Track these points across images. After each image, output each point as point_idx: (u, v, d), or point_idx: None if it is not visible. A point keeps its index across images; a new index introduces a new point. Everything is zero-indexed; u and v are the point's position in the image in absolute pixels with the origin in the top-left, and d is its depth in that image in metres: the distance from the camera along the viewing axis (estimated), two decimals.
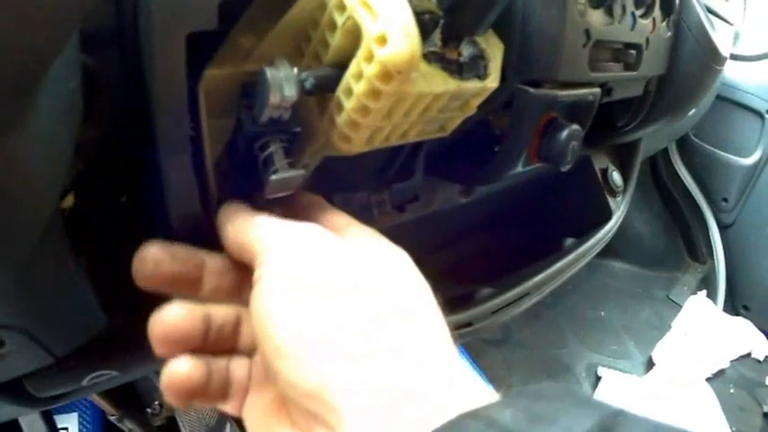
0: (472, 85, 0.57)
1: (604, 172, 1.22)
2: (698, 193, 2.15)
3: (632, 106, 1.07)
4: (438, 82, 0.54)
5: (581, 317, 1.91)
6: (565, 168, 0.74)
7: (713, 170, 2.10)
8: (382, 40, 0.46)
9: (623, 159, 1.30)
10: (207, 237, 0.60)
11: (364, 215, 0.77)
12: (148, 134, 0.55)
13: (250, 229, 0.48)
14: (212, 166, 0.61)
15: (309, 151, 0.60)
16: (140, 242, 0.52)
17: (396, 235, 0.87)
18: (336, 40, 0.51)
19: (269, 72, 0.49)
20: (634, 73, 0.88)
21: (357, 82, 0.49)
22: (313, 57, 0.56)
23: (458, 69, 0.58)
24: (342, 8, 0.49)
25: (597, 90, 0.79)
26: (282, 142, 0.55)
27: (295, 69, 0.50)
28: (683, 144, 2.13)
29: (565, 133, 0.73)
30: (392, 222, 0.80)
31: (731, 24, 1.30)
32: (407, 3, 0.48)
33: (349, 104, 0.51)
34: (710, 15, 1.12)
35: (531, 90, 0.69)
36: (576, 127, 0.74)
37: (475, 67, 0.59)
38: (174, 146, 0.55)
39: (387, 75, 0.47)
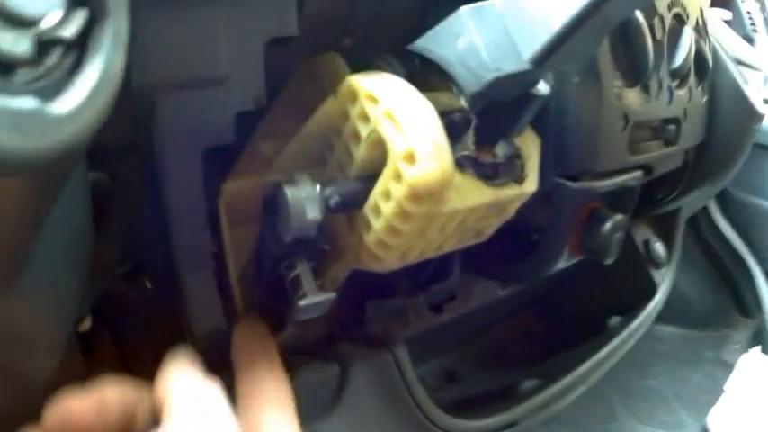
0: (509, 192, 0.53)
1: (646, 244, 1.16)
2: (741, 246, 2.06)
3: (671, 177, 1.02)
4: (472, 194, 0.50)
5: (629, 387, 1.82)
6: (609, 261, 0.69)
7: (756, 220, 2.01)
8: (410, 158, 0.42)
9: (665, 228, 1.24)
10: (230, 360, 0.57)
11: (399, 320, 0.72)
12: (168, 250, 0.52)
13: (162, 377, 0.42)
14: (236, 281, 0.58)
15: (339, 266, 0.57)
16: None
17: (433, 329, 0.84)
18: (361, 153, 0.47)
19: (289, 192, 0.45)
20: (675, 148, 0.84)
21: (385, 201, 0.45)
22: (337, 168, 0.52)
23: (493, 173, 0.54)
24: (365, 119, 0.45)
25: (639, 173, 0.74)
26: (310, 261, 0.51)
27: (318, 187, 0.46)
28: (722, 197, 2.05)
29: (608, 225, 0.68)
30: (430, 325, 0.75)
31: (760, 71, 1.26)
32: (435, 114, 0.45)
33: (378, 225, 0.47)
34: (740, 66, 1.07)
35: (570, 184, 0.65)
36: (619, 218, 0.69)
37: (511, 168, 0.55)
38: (193, 262, 0.52)
39: (417, 197, 0.43)
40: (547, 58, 0.43)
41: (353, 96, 0.46)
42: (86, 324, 0.57)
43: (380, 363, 0.64)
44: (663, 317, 2.05)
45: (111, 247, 0.50)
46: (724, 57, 1.04)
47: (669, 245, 1.21)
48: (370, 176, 0.47)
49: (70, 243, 0.39)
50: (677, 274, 1.99)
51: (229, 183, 0.53)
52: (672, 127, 0.81)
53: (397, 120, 0.43)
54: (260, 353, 0.48)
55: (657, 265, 1.16)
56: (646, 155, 0.75)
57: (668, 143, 0.83)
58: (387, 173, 0.44)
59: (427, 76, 0.61)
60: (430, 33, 0.48)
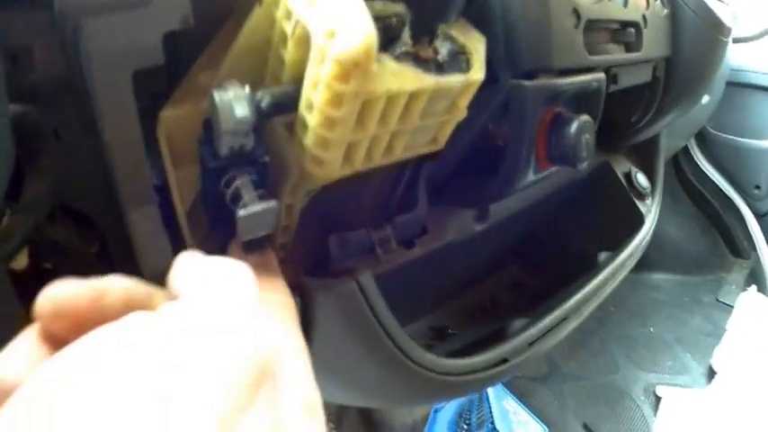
0: (453, 79, 0.49)
1: (628, 176, 1.13)
2: (727, 187, 2.05)
3: (643, 97, 0.98)
4: (411, 79, 0.46)
5: (629, 337, 1.79)
6: (582, 166, 0.65)
7: (739, 160, 2.00)
8: (331, 35, 0.39)
9: (645, 160, 1.20)
10: None
11: (368, 257, 0.68)
12: (108, 184, 0.50)
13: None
14: (185, 216, 0.54)
15: (287, 187, 0.53)
16: None
17: (413, 276, 0.80)
18: (290, 53, 0.44)
19: (216, 95, 0.42)
20: (638, 54, 0.80)
21: (315, 90, 0.42)
22: (273, 78, 0.48)
23: (437, 69, 0.50)
24: (288, 15, 0.43)
25: (601, 75, 0.70)
26: (251, 175, 0.47)
27: (247, 87, 0.43)
28: (703, 139, 2.03)
29: (574, 126, 0.64)
30: (401, 260, 0.71)
31: (727, 4, 1.23)
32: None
33: (312, 120, 0.43)
34: None
35: (527, 83, 0.60)
36: (585, 117, 0.65)
37: (455, 63, 0.51)
38: (136, 196, 0.50)
39: (344, 72, 0.39)
40: None
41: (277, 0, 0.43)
42: (22, 262, 0.53)
43: (344, 291, 0.60)
44: (657, 265, 2.03)
45: (42, 182, 0.47)
46: None
47: (651, 176, 1.18)
48: (302, 79, 0.43)
49: None
50: (666, 220, 1.97)
51: (167, 110, 0.50)
52: (631, 30, 0.78)
53: (316, 4, 0.40)
54: (260, 265, 0.44)
55: (641, 196, 1.12)
56: (606, 56, 0.71)
57: (630, 48, 0.79)
58: (312, 59, 0.41)
59: None
60: None
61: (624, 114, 1.02)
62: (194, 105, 0.50)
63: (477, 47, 0.53)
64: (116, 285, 0.32)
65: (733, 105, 1.92)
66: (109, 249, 0.57)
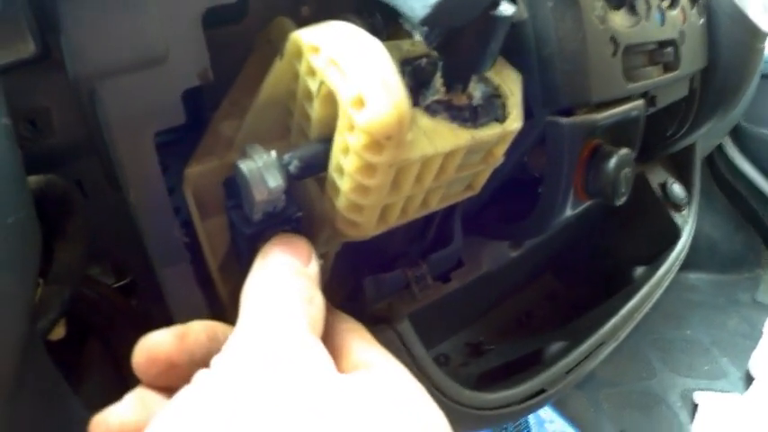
0: (489, 132, 0.47)
1: (663, 186, 1.10)
2: (763, 182, 1.99)
3: (679, 110, 0.95)
4: (445, 138, 0.44)
5: (665, 340, 1.75)
6: (620, 202, 0.63)
7: None
8: (359, 103, 0.37)
9: (681, 167, 1.17)
10: None
11: (403, 295, 0.67)
12: (139, 246, 0.49)
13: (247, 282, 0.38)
14: (217, 270, 0.53)
15: (321, 238, 0.52)
16: None
17: (448, 298, 0.79)
18: (316, 111, 0.42)
19: (244, 166, 0.41)
20: (676, 72, 0.77)
21: (345, 157, 0.40)
22: (299, 134, 0.47)
23: (471, 116, 0.48)
24: (313, 73, 0.41)
25: (641, 102, 0.68)
26: (286, 233, 0.46)
27: (273, 153, 0.41)
28: (737, 134, 1.98)
29: (613, 162, 0.62)
30: (438, 295, 0.70)
31: None
32: (383, 51, 0.39)
33: (344, 185, 0.42)
34: None
35: (564, 120, 0.58)
36: (625, 152, 0.63)
37: (491, 108, 0.49)
38: (167, 256, 0.49)
39: (375, 144, 0.38)
40: None
41: (298, 52, 0.41)
42: (60, 332, 0.53)
43: (383, 340, 0.58)
44: (692, 264, 1.99)
45: (73, 250, 0.46)
46: None
47: (687, 185, 1.15)
48: (331, 136, 0.42)
49: (4, 247, 0.35)
50: (701, 218, 1.92)
51: (191, 167, 0.49)
52: (669, 50, 0.75)
53: (340, 65, 0.37)
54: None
55: (678, 207, 1.09)
56: (645, 81, 0.69)
57: (668, 68, 0.76)
58: (341, 125, 0.39)
59: (391, 29, 0.56)
60: None
61: (660, 128, 0.99)
62: (219, 160, 0.49)
63: (513, 88, 0.51)
64: (196, 324, 0.35)
65: (767, 98, 1.87)
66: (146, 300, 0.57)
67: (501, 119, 0.48)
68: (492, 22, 0.43)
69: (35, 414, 0.40)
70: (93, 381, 0.58)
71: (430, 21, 0.39)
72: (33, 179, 0.42)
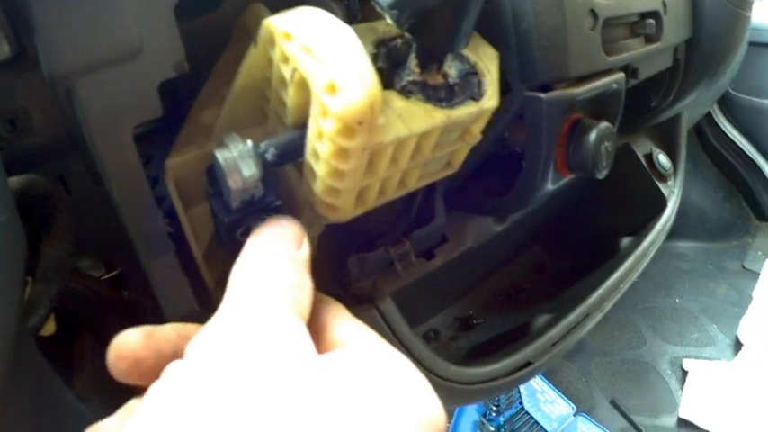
0: (465, 111, 0.47)
1: (649, 157, 1.10)
2: (751, 150, 2.00)
3: (663, 81, 0.95)
4: (420, 119, 0.44)
5: (655, 309, 1.77)
6: (602, 175, 0.63)
7: (762, 121, 1.94)
8: (332, 89, 0.37)
9: (667, 138, 1.17)
10: None
11: (388, 273, 0.67)
12: (125, 239, 0.49)
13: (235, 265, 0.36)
14: (202, 259, 0.53)
15: (303, 223, 0.52)
16: None
17: (435, 275, 0.79)
18: (291, 97, 0.42)
19: (220, 155, 0.40)
20: (658, 44, 0.77)
21: (320, 142, 0.40)
22: (276, 121, 0.47)
23: (447, 95, 0.48)
24: (286, 59, 0.41)
25: (621, 75, 0.68)
26: (265, 221, 0.46)
27: (249, 142, 0.41)
28: (725, 102, 1.98)
29: (593, 135, 0.61)
30: (422, 272, 0.70)
31: None
32: (355, 38, 0.39)
33: (320, 170, 0.42)
34: None
35: (543, 96, 0.58)
36: (605, 125, 0.63)
37: (467, 87, 0.49)
38: (152, 247, 0.49)
39: (348, 129, 0.38)
40: None
41: (272, 39, 0.41)
42: (50, 328, 0.54)
43: (365, 319, 0.58)
44: (680, 232, 2.00)
45: (59, 247, 0.47)
46: None
47: (673, 155, 1.15)
48: (306, 123, 0.42)
49: None
50: (689, 186, 1.93)
51: (172, 158, 0.49)
52: (651, 21, 0.74)
53: (313, 51, 0.37)
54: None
55: (663, 178, 1.09)
56: (625, 54, 0.68)
57: (650, 40, 0.76)
58: (314, 111, 0.39)
59: (366, 10, 0.55)
60: None
61: (644, 99, 0.99)
62: (199, 149, 0.49)
63: (489, 66, 0.51)
64: (168, 325, 0.34)
65: (755, 66, 1.86)
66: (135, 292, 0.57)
67: (477, 97, 0.48)
68: (464, 0, 0.43)
69: (30, 412, 0.41)
70: (86, 373, 0.58)
71: (399, 4, 0.39)
72: (15, 180, 0.42)
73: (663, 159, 1.11)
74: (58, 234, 0.47)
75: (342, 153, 0.39)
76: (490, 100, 0.48)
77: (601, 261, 1.01)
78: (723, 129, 2.01)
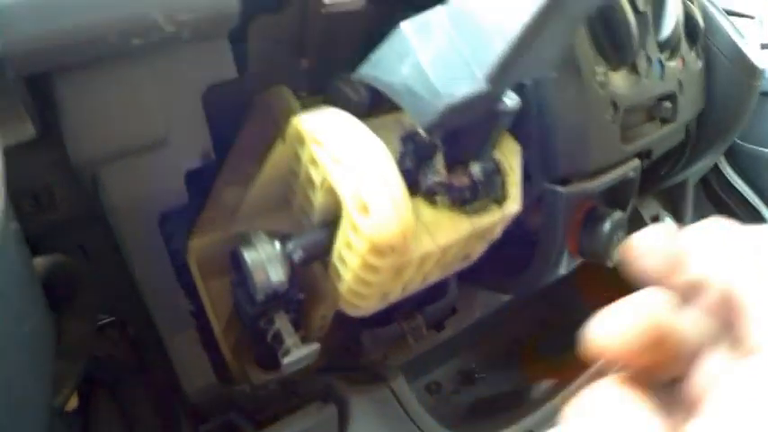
0: (489, 218, 0.48)
1: (655, 219, 1.11)
2: (755, 199, 2.00)
3: (674, 151, 0.96)
4: (447, 230, 0.45)
5: None
6: (612, 264, 0.64)
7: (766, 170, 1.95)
8: (364, 209, 0.38)
9: (674, 199, 1.18)
10: (228, 405, 0.54)
11: (399, 345, 0.68)
12: (147, 316, 0.50)
13: None
14: (222, 333, 0.54)
15: (323, 309, 0.53)
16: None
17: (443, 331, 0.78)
18: (318, 200, 0.43)
19: (247, 255, 0.41)
20: (673, 125, 0.78)
21: (349, 253, 0.41)
22: (300, 211, 0.48)
23: (472, 194, 0.49)
24: (315, 163, 0.42)
25: (636, 164, 0.69)
26: (289, 313, 0.48)
27: (277, 245, 0.42)
28: (731, 151, 1.98)
29: (607, 226, 0.63)
30: (432, 345, 0.71)
31: (753, 18, 1.20)
32: (388, 156, 0.40)
33: (347, 276, 0.43)
34: (731, 18, 1.01)
35: (562, 190, 0.59)
36: (618, 215, 0.64)
37: (491, 185, 0.50)
38: (174, 324, 0.50)
39: (378, 251, 0.39)
40: (505, 72, 0.36)
41: (301, 139, 0.42)
42: (72, 402, 0.54)
43: (379, 399, 0.60)
44: None
45: (82, 324, 0.47)
46: (715, 12, 0.97)
47: (679, 218, 1.16)
48: (334, 221, 0.43)
49: (25, 354, 0.35)
50: None
51: (195, 239, 0.50)
52: (668, 104, 0.75)
53: (345, 165, 0.38)
54: None
55: None
56: (642, 140, 0.69)
57: (665, 121, 0.77)
58: (344, 223, 0.40)
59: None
60: (373, 57, 0.41)
61: (653, 169, 1.00)
62: (223, 232, 0.50)
63: (512, 163, 0.52)
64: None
65: (762, 115, 1.87)
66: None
67: (500, 199, 0.49)
68: (495, 116, 0.44)
69: None
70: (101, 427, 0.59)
71: (435, 127, 0.40)
72: (40, 261, 0.43)
73: (669, 223, 1.12)
74: (82, 311, 0.47)
75: (370, 268, 0.40)
76: (513, 204, 0.50)
77: None
78: (728, 177, 2.01)
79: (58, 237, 0.48)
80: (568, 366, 0.89)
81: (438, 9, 0.38)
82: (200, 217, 0.50)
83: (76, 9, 0.34)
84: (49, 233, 0.47)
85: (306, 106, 0.47)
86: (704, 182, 2.05)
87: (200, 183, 0.50)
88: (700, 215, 1.99)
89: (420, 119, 0.39)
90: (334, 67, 0.56)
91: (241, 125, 0.54)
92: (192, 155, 0.44)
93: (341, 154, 0.38)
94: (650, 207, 1.12)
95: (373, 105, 0.52)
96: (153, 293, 0.47)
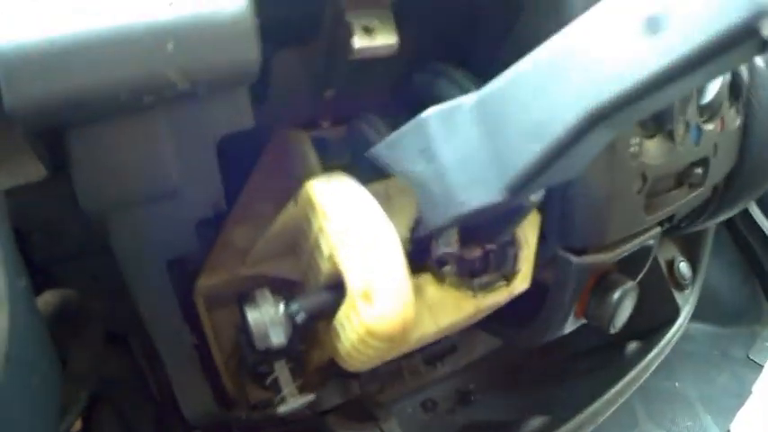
0: (495, 298, 0.48)
1: (671, 264, 1.09)
2: None
3: (696, 208, 0.94)
4: (450, 311, 0.45)
5: (653, 389, 1.76)
6: (615, 331, 0.64)
7: None
8: (367, 297, 0.38)
9: (691, 245, 1.16)
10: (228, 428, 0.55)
11: (395, 380, 0.69)
12: (151, 347, 0.50)
13: None
14: (224, 366, 0.55)
15: (322, 354, 0.53)
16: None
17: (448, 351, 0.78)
18: (325, 267, 0.44)
19: (250, 315, 0.42)
20: (701, 189, 0.76)
21: (350, 325, 0.42)
22: (307, 267, 0.48)
23: (481, 265, 0.49)
24: (325, 235, 0.42)
25: (657, 231, 0.68)
26: (289, 362, 0.49)
27: (281, 307, 0.43)
28: None
29: (616, 295, 0.62)
30: (428, 381, 0.72)
31: None
32: (397, 242, 0.40)
33: (345, 342, 0.43)
34: None
35: (575, 260, 0.59)
36: (630, 285, 0.64)
37: (502, 258, 0.50)
38: (177, 357, 0.50)
39: (376, 338, 0.39)
40: (530, 184, 0.35)
41: (312, 207, 0.42)
42: (76, 426, 0.56)
43: None
44: (692, 313, 1.98)
45: (88, 354, 0.48)
46: (762, 65, 0.94)
47: (695, 263, 1.14)
48: (339, 285, 0.43)
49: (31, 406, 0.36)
50: (708, 265, 1.90)
51: (204, 279, 0.50)
52: (699, 170, 0.73)
53: (353, 249, 0.38)
54: None
55: (681, 287, 1.10)
56: (667, 208, 0.68)
57: (693, 186, 0.75)
58: (348, 302, 0.40)
59: None
60: (391, 138, 0.40)
61: (673, 223, 0.99)
62: (230, 273, 0.50)
63: (528, 234, 0.52)
64: None
65: None
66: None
67: (509, 275, 0.49)
68: (516, 210, 0.44)
69: None
70: None
71: (443, 230, 0.39)
72: (50, 298, 0.44)
73: (684, 268, 1.11)
74: (88, 343, 0.48)
75: (367, 345, 0.41)
76: (522, 282, 0.50)
77: (605, 360, 1.02)
78: (749, 210, 1.99)
79: (68, 266, 0.49)
80: (563, 405, 0.90)
81: (466, 98, 0.36)
82: (209, 257, 0.50)
83: (85, 68, 0.34)
84: (59, 263, 0.48)
85: (325, 164, 0.47)
86: (728, 221, 2.02)
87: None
88: (722, 259, 1.97)
89: (429, 220, 0.39)
90: (358, 98, 0.55)
91: (255, 161, 0.53)
92: (203, 205, 0.43)
93: (350, 237, 0.39)
94: (666, 251, 1.10)
95: None
96: (158, 330, 0.47)
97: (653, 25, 0.27)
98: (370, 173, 0.45)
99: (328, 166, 0.50)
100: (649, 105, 0.33)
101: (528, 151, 0.33)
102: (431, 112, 0.38)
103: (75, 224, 0.47)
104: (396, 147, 0.40)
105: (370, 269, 0.38)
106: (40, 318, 0.38)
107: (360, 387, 0.66)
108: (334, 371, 0.66)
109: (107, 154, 0.38)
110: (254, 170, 0.53)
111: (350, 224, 0.39)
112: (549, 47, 0.32)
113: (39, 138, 0.40)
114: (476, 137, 0.36)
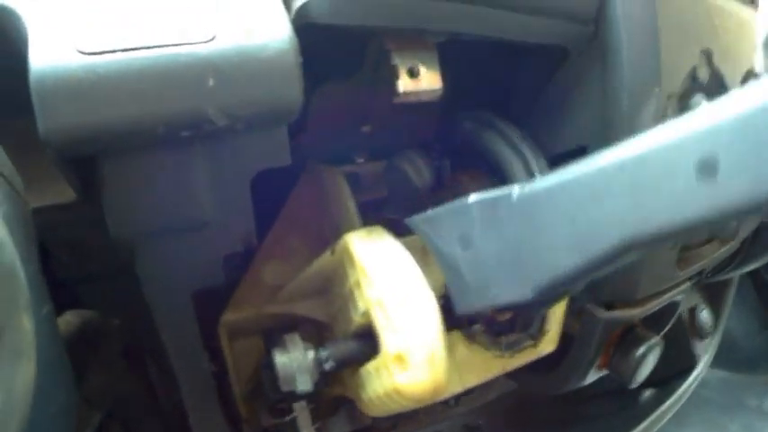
0: (520, 359, 0.47)
1: (692, 311, 1.07)
2: None
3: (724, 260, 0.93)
4: (477, 371, 0.44)
5: None
6: (635, 386, 0.63)
7: None
8: (400, 361, 0.37)
9: (714, 293, 1.14)
10: None
11: (409, 417, 0.68)
12: (168, 367, 0.50)
13: None
14: (241, 396, 0.54)
15: (340, 391, 0.53)
16: None
17: None
18: (357, 319, 0.43)
19: (279, 360, 0.41)
20: (733, 243, 0.75)
21: (378, 378, 0.41)
22: (339, 312, 0.48)
23: (508, 327, 0.48)
24: (361, 291, 0.41)
25: (686, 286, 0.67)
26: (310, 403, 0.48)
27: (310, 355, 0.42)
28: None
29: (641, 351, 0.61)
30: (442, 419, 0.71)
31: None
32: (434, 307, 0.39)
33: (371, 392, 0.43)
34: None
35: (602, 315, 0.58)
36: (655, 340, 0.62)
37: (531, 320, 0.49)
38: (195, 387, 0.49)
39: (405, 397, 0.38)
40: (561, 291, 0.35)
41: (350, 260, 0.41)
42: None
43: None
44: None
45: (105, 374, 0.48)
46: None
47: (717, 311, 1.12)
48: (370, 335, 0.42)
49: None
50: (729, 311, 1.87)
51: (229, 314, 0.50)
52: (732, 223, 0.72)
53: (389, 313, 0.37)
54: None
55: (701, 336, 1.08)
56: (697, 264, 0.67)
57: (725, 241, 0.74)
58: (380, 358, 0.40)
59: (456, 174, 0.55)
60: (432, 214, 0.40)
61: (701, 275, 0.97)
62: (257, 310, 0.50)
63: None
64: None
65: None
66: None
67: (536, 337, 0.49)
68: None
69: None
70: None
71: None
72: (71, 319, 0.44)
73: (705, 317, 1.08)
74: (106, 361, 0.48)
75: (394, 401, 0.40)
76: (549, 344, 0.49)
77: (619, 405, 1.00)
78: None
79: (93, 284, 0.48)
80: None
81: (513, 190, 0.36)
82: (236, 291, 0.50)
83: (123, 99, 0.33)
84: (84, 281, 0.48)
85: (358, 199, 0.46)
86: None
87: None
88: (741, 305, 1.95)
89: (458, 303, 0.38)
90: (397, 135, 0.55)
91: (287, 195, 0.53)
92: (233, 240, 0.43)
93: (388, 300, 0.38)
94: (689, 297, 1.08)
95: (435, 189, 0.51)
96: (177, 357, 0.47)
97: (707, 169, 0.27)
98: (404, 212, 0.44)
99: (362, 203, 0.49)
100: (687, 239, 0.32)
101: (566, 261, 0.33)
102: (475, 198, 0.37)
103: (101, 247, 0.47)
104: (434, 224, 0.39)
105: (406, 334, 0.37)
106: (60, 345, 0.38)
107: (372, 419, 0.65)
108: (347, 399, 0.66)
109: (140, 183, 0.38)
110: (285, 205, 0.52)
111: (388, 287, 0.38)
112: (603, 160, 0.31)
113: (70, 163, 0.40)
114: (517, 233, 0.35)
